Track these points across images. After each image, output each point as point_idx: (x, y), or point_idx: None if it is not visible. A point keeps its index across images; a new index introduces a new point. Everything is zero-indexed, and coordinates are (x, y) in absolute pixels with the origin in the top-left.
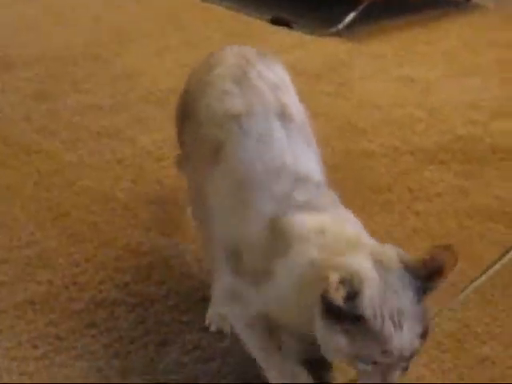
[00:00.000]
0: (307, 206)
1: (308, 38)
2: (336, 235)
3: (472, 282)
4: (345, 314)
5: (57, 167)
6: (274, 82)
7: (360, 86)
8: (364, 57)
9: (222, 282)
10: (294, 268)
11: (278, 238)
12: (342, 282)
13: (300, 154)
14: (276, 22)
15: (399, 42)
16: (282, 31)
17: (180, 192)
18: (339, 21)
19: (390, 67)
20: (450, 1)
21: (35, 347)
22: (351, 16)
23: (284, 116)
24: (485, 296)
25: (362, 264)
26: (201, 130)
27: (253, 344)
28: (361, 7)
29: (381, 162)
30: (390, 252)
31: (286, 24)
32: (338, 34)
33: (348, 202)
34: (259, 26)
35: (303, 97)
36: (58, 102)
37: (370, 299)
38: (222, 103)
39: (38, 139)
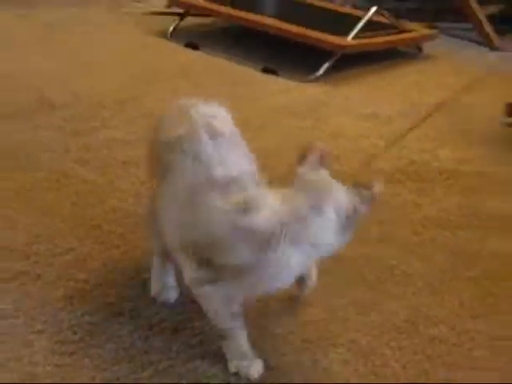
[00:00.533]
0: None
1: (292, 83)
2: None
3: None
4: None
5: (90, 189)
6: (209, 114)
7: (333, 121)
8: (337, 98)
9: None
10: None
11: None
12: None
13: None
14: (266, 70)
15: (365, 86)
16: (270, 78)
17: None
18: (317, 69)
19: (358, 106)
20: (405, 52)
21: (74, 333)
22: (326, 65)
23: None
24: (434, 286)
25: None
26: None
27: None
28: (334, 58)
29: (351, 181)
30: None
31: (274, 72)
32: (317, 80)
33: None
34: (252, 74)
35: (288, 131)
36: (91, 137)
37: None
38: (169, 132)
39: (75, 167)
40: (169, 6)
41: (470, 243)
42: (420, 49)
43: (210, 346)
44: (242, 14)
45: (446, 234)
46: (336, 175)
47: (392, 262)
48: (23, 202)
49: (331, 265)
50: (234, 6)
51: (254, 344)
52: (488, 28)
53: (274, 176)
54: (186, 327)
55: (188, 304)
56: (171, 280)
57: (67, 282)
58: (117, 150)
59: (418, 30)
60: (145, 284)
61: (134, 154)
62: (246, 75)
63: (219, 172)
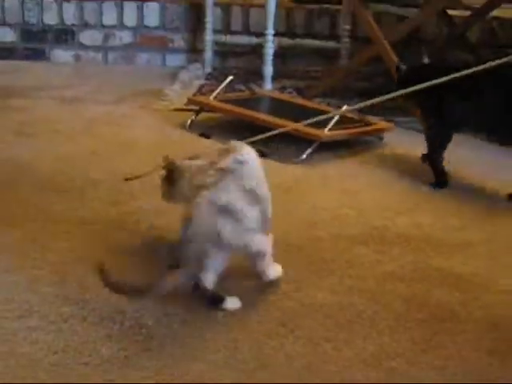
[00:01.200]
0: None
1: (281, 165)
2: None
3: None
4: None
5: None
6: None
7: (314, 194)
8: (316, 176)
9: None
10: None
11: None
12: None
13: None
14: (259, 154)
15: (338, 166)
16: (263, 161)
17: None
18: (301, 154)
19: (333, 182)
20: (369, 140)
21: (112, 364)
22: (309, 151)
23: None
24: (392, 327)
25: None
26: None
27: None
28: (314, 145)
29: (327, 243)
30: None
31: (264, 155)
32: (301, 162)
33: (306, 268)
34: None
35: (276, 203)
36: (127, 206)
37: None
38: None
39: (114, 232)
40: (187, 104)
41: (421, 293)
42: (381, 138)
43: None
44: (242, 110)
45: (401, 286)
46: (316, 240)
47: (360, 308)
48: (75, 260)
49: (310, 311)
50: (236, 104)
51: None
52: None
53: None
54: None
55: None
56: None
57: (107, 323)
58: (144, 216)
59: (379, 123)
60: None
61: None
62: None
63: None
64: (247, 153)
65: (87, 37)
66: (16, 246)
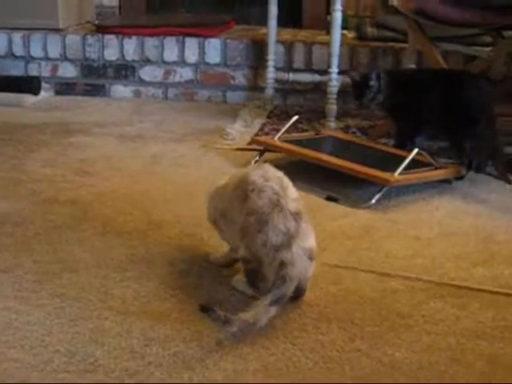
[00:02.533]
0: None
1: (349, 210)
2: None
3: None
4: None
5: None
6: None
7: (384, 242)
8: (386, 222)
9: None
10: None
11: None
12: None
13: None
14: (329, 199)
15: (409, 212)
16: (332, 205)
17: None
18: (370, 198)
19: (404, 229)
20: (438, 185)
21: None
22: (378, 196)
23: None
24: None
25: None
26: None
27: None
28: (384, 190)
29: (402, 296)
30: None
31: (335, 200)
32: (369, 207)
33: (381, 323)
34: (317, 201)
35: (348, 250)
36: (193, 252)
37: None
38: None
39: (179, 278)
40: (250, 144)
41: (505, 352)
42: (450, 182)
43: None
44: (307, 151)
45: (484, 344)
46: (390, 291)
47: (441, 368)
48: (138, 307)
49: (390, 370)
50: (300, 145)
51: None
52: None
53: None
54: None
55: None
56: None
57: (174, 379)
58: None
59: (449, 167)
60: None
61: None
62: (312, 202)
63: None
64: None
65: (147, 72)
66: (79, 294)
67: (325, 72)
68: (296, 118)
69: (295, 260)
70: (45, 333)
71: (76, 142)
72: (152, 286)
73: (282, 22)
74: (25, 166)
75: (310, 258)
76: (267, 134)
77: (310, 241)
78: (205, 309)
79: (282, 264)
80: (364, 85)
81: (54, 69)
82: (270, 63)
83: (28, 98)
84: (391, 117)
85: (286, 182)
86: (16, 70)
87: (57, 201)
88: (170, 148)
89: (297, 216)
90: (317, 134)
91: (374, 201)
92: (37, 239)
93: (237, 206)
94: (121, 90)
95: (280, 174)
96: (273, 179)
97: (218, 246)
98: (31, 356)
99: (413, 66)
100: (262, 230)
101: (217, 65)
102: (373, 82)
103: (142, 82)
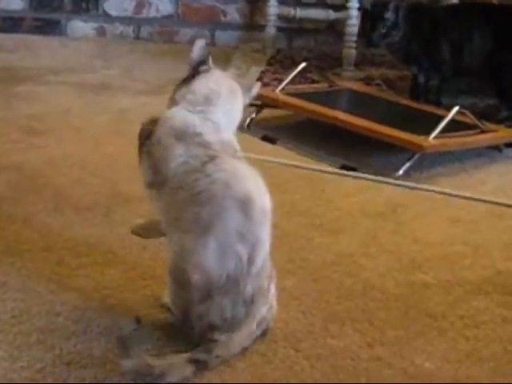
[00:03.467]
0: None
1: (371, 183)
2: None
3: None
4: None
5: None
6: None
7: (415, 225)
8: (417, 199)
9: None
10: None
11: None
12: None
13: None
14: (344, 168)
15: (447, 186)
16: (349, 177)
17: None
18: (397, 168)
19: (439, 209)
20: (485, 152)
21: None
22: (407, 165)
23: None
24: None
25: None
26: None
27: None
28: (414, 158)
29: (435, 292)
30: None
31: (353, 170)
32: (396, 179)
33: (408, 326)
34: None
35: (369, 233)
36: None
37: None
38: None
39: (153, 265)
40: None
41: None
42: (500, 150)
43: None
44: (317, 107)
45: None
46: (420, 287)
47: (482, 383)
48: (99, 301)
49: None
50: (309, 99)
51: None
52: None
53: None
54: None
55: None
56: None
57: None
58: None
59: (500, 130)
60: None
61: None
62: (323, 173)
63: None
64: None
65: (114, 5)
66: (25, 284)
67: (341, 7)
68: (304, 65)
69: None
70: None
71: (23, 93)
72: (116, 275)
73: None
74: None
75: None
76: (267, 85)
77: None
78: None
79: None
80: (376, 16)
81: None
82: None
83: None
84: (408, 62)
85: None
86: None
87: None
88: (143, 102)
89: None
90: (330, 86)
91: (401, 171)
92: None
93: None
94: (80, 26)
95: None
96: None
97: None
98: None
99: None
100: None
101: None
102: (389, 14)
103: (106, 16)
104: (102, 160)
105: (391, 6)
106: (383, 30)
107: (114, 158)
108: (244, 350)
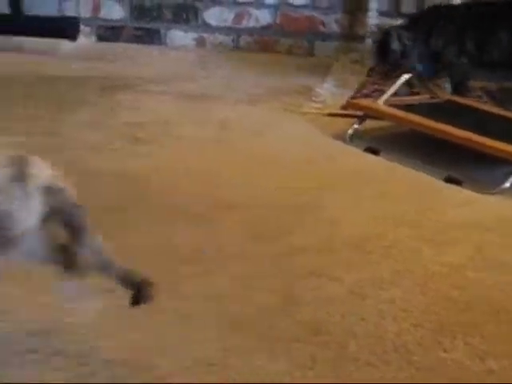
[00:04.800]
0: None
1: (475, 195)
2: None
3: None
4: None
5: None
6: None
7: None
8: None
9: None
10: None
11: None
12: None
13: None
14: (449, 180)
15: None
16: (453, 189)
17: None
18: (503, 181)
19: None
20: None
21: None
22: None
23: None
24: None
25: None
26: None
27: None
28: None
29: None
30: None
31: (458, 183)
32: (502, 192)
33: None
34: (435, 183)
35: (476, 245)
36: (272, 243)
37: None
38: None
39: None
40: (345, 108)
41: None
42: None
43: None
44: (421, 119)
45: None
46: None
47: None
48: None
49: None
50: (412, 111)
51: None
52: None
53: None
54: None
55: None
56: None
57: None
58: (299, 258)
59: None
60: None
61: (318, 264)
62: (429, 184)
63: None
64: None
65: (214, 15)
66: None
67: None
68: (406, 76)
69: None
70: (92, 337)
71: (124, 101)
72: (225, 284)
73: None
74: (61, 128)
75: None
76: (367, 96)
77: None
78: None
79: None
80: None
81: (96, 8)
82: (372, 6)
83: (63, 45)
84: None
85: None
86: (48, 8)
87: (102, 174)
88: (243, 111)
89: None
90: (432, 98)
91: (508, 184)
92: None
93: None
94: (180, 36)
95: None
96: None
97: (298, 237)
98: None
99: None
100: None
101: (303, 6)
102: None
103: (206, 26)
104: (205, 169)
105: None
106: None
107: (217, 167)
108: None
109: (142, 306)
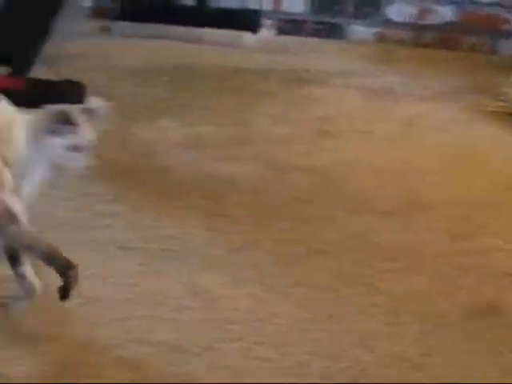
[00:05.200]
0: None
1: None
2: None
3: None
4: None
5: None
6: None
7: None
8: None
9: None
10: None
11: None
12: None
13: None
14: None
15: None
16: None
17: None
18: None
19: None
20: None
21: None
22: None
23: None
24: None
25: None
26: None
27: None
28: None
29: None
30: None
31: None
32: None
33: None
34: None
35: None
36: (468, 242)
37: None
38: None
39: (457, 275)
40: None
41: None
42: None
43: None
44: None
45: None
46: None
47: None
48: (410, 306)
49: None
50: None
51: None
52: None
53: None
54: None
55: None
56: None
57: None
58: (496, 258)
59: None
60: None
61: None
62: None
63: None
64: None
65: (396, 11)
66: (333, 284)
67: None
68: None
69: None
70: (297, 328)
71: (310, 95)
72: (424, 282)
73: None
74: (249, 121)
75: None
76: None
77: None
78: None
79: None
80: None
81: (278, 1)
82: None
83: (246, 37)
84: None
85: None
86: (231, 0)
87: (293, 167)
88: (427, 108)
89: None
90: None
91: None
92: (273, 213)
93: None
94: (360, 31)
95: None
96: None
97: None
98: (280, 355)
99: None
100: None
101: (487, 4)
102: None
103: (387, 22)
104: (395, 165)
105: None
106: None
107: (408, 164)
108: None
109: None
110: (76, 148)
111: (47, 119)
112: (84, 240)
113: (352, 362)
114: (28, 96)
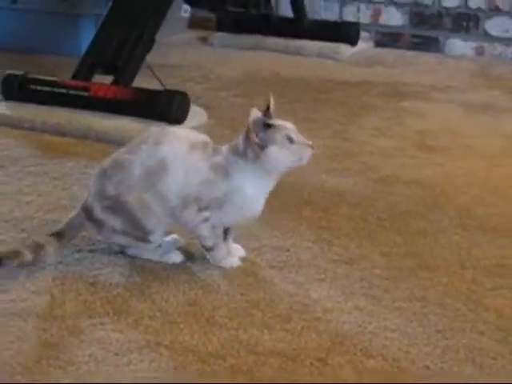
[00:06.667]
0: None
1: None
2: None
3: None
4: None
5: None
6: None
7: None
8: None
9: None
10: None
11: None
12: None
13: None
14: None
15: None
16: None
17: None
18: None
19: None
20: None
21: None
22: None
23: None
24: None
25: None
26: None
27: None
28: None
29: None
30: None
31: None
32: None
33: None
34: None
35: None
36: None
37: None
38: None
39: None
40: None
41: None
42: None
43: None
44: None
45: None
46: None
47: None
48: None
49: None
50: None
51: None
52: None
53: None
54: None
55: None
56: None
57: None
58: None
59: None
60: None
61: None
62: None
63: None
64: None
65: (495, 25)
66: (443, 299)
67: None
68: None
69: None
70: (407, 343)
71: (411, 108)
72: None
73: None
74: (351, 133)
75: None
76: None
77: None
78: None
79: None
80: None
81: (376, 14)
82: None
83: (344, 49)
84: None
85: None
86: (329, 13)
87: (398, 180)
88: None
89: None
90: None
91: None
92: (381, 226)
93: None
94: (459, 45)
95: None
96: None
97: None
98: (390, 368)
99: None
100: None
101: None
102: None
103: (487, 36)
104: (501, 181)
105: None
106: None
107: None
108: None
109: None
110: None
111: None
112: None
113: (462, 379)
114: (135, 106)
